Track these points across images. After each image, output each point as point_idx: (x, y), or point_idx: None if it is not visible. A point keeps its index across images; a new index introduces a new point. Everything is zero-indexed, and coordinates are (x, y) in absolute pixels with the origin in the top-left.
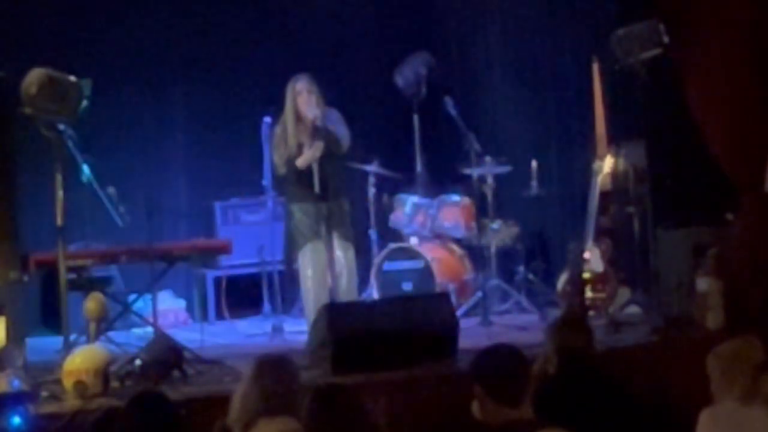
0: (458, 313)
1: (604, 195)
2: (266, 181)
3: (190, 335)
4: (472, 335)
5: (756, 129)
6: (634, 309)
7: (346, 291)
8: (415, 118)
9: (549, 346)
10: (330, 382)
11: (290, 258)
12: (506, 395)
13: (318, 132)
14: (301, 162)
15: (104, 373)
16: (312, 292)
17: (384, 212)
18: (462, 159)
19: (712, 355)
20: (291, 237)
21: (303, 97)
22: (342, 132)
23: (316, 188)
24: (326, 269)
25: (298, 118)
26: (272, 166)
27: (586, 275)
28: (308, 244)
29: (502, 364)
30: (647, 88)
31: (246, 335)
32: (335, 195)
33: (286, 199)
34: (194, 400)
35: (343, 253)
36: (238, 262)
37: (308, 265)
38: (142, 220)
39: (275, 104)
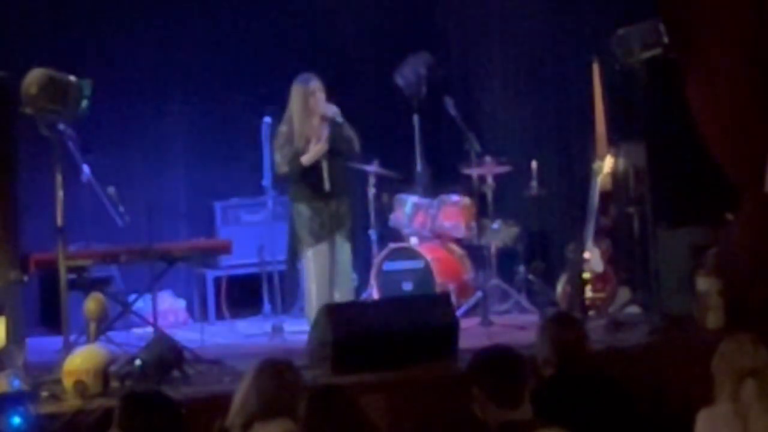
0: (458, 313)
1: (604, 195)
2: (266, 181)
3: (190, 335)
4: (472, 335)
5: (756, 129)
6: (634, 309)
7: (344, 291)
8: (415, 118)
9: (542, 342)
10: (326, 383)
11: (294, 257)
12: (504, 396)
13: (336, 128)
14: (307, 159)
15: (104, 373)
16: (315, 292)
17: (384, 212)
18: (462, 159)
19: (715, 354)
20: (296, 236)
21: (317, 96)
22: (352, 133)
23: (326, 186)
24: (329, 269)
25: (308, 116)
26: (272, 165)
27: (586, 275)
28: (314, 243)
29: (499, 365)
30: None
31: (246, 335)
32: (341, 194)
33: (290, 198)
34: (194, 400)
35: (343, 253)
36: (238, 262)
37: (313, 264)
38: (142, 220)
39: (275, 104)
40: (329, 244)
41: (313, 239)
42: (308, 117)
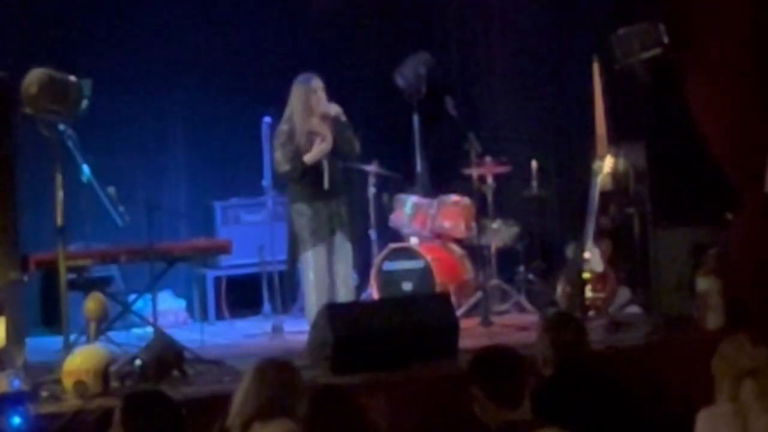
0: (458, 313)
1: (604, 195)
2: (266, 181)
3: (190, 335)
4: (472, 335)
5: (756, 129)
6: (634, 309)
7: (345, 292)
8: (415, 118)
9: (543, 342)
10: (327, 383)
11: (294, 257)
12: (504, 397)
13: (339, 127)
14: (310, 157)
15: (104, 373)
16: (315, 293)
17: (384, 212)
18: (462, 159)
19: (715, 355)
20: (296, 236)
21: (318, 95)
22: (352, 133)
23: (326, 185)
24: (328, 269)
25: (310, 115)
26: (272, 165)
27: (586, 275)
28: (314, 243)
29: (499, 365)
30: (647, 88)
31: (246, 335)
32: (340, 193)
33: (290, 198)
34: (194, 400)
35: (343, 253)
36: (238, 262)
37: (313, 264)
38: (142, 220)
39: (275, 104)
40: (329, 244)
41: (313, 239)
42: (309, 116)
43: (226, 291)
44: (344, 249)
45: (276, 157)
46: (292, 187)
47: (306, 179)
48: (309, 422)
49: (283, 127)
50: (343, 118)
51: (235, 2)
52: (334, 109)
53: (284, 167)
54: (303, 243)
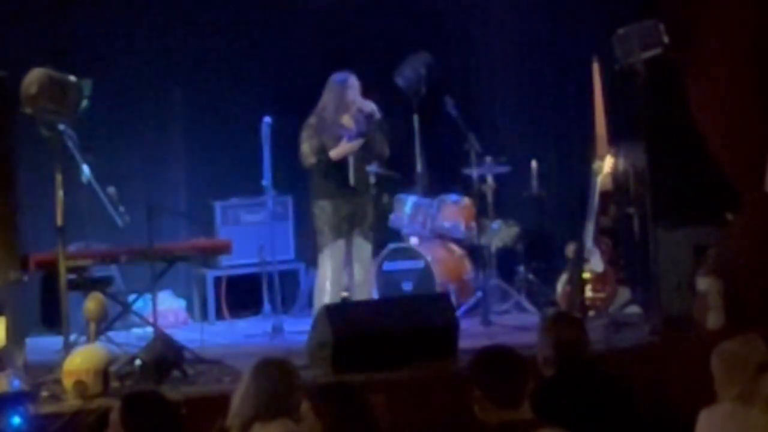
0: (458, 313)
1: (604, 195)
2: (266, 181)
3: (190, 335)
4: (472, 335)
5: (756, 129)
6: (634, 309)
7: (362, 290)
8: (415, 118)
9: (543, 342)
10: (343, 380)
11: (311, 254)
12: (504, 397)
13: (373, 124)
14: (336, 153)
15: (104, 373)
16: (329, 291)
17: (384, 212)
18: (462, 159)
19: (714, 354)
20: (315, 233)
21: (354, 93)
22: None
23: (351, 182)
24: (343, 267)
25: (342, 110)
26: (272, 165)
27: (586, 275)
28: (333, 239)
29: (499, 365)
30: (647, 88)
31: (246, 335)
32: (362, 192)
33: (312, 194)
34: (194, 400)
35: (360, 251)
36: (238, 262)
37: (328, 262)
38: (142, 220)
39: (275, 104)
40: (347, 242)
41: (332, 235)
42: (342, 111)
43: (226, 291)
44: (365, 249)
45: (302, 150)
46: (315, 183)
47: (330, 175)
48: (328, 418)
49: (311, 120)
50: (378, 116)
51: (235, 2)
52: (369, 106)
53: (310, 160)
54: (321, 239)
